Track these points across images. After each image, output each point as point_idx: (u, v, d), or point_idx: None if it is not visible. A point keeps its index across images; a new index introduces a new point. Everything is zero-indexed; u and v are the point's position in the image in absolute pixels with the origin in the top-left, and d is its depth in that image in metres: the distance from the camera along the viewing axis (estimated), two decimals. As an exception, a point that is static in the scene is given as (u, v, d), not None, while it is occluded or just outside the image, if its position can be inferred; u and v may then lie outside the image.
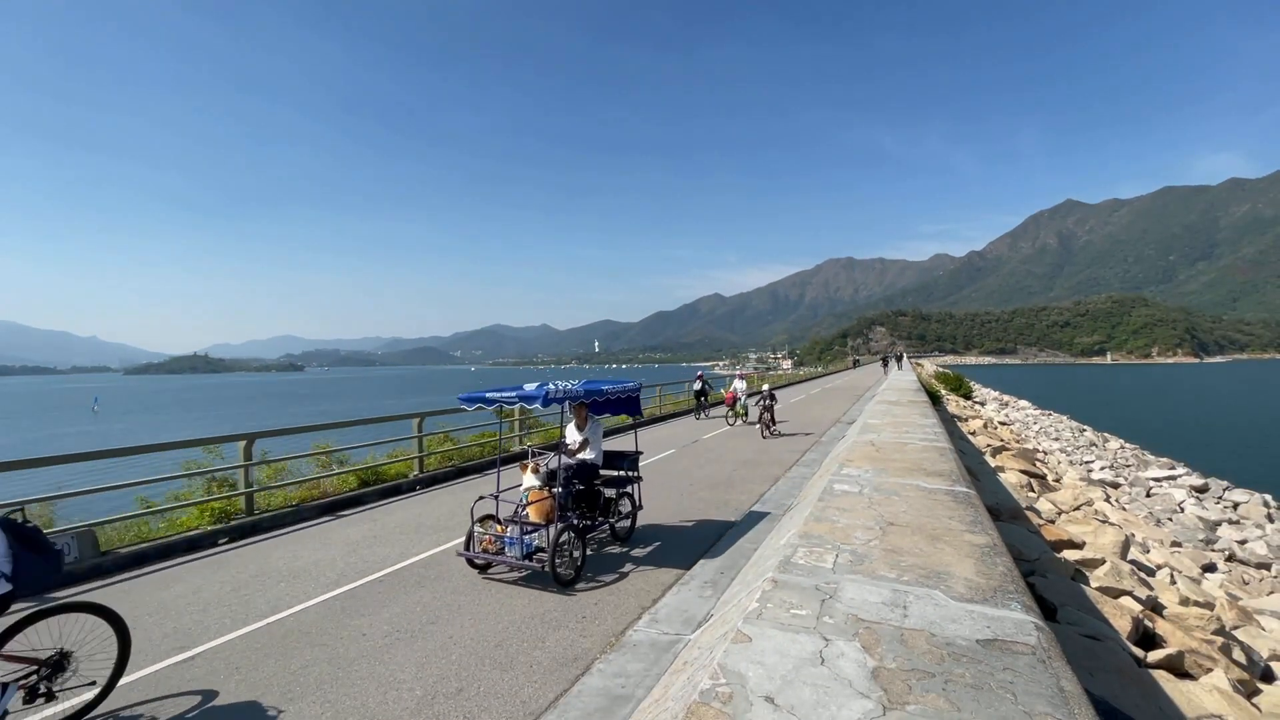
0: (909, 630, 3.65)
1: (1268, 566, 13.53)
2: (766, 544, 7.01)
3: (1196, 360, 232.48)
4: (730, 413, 19.94)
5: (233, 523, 8.50)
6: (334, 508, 9.71)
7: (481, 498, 7.06)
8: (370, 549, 7.59)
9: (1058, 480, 19.29)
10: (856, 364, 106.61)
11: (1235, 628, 8.61)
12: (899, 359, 67.37)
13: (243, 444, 9.13)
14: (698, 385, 23.46)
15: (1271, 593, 11.56)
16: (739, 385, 20.43)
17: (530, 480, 6.96)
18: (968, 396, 48.77)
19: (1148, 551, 12.43)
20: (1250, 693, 6.55)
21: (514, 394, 6.34)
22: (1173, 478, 22.02)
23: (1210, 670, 6.46)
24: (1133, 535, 12.99)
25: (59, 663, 3.93)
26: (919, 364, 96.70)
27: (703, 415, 22.37)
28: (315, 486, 10.15)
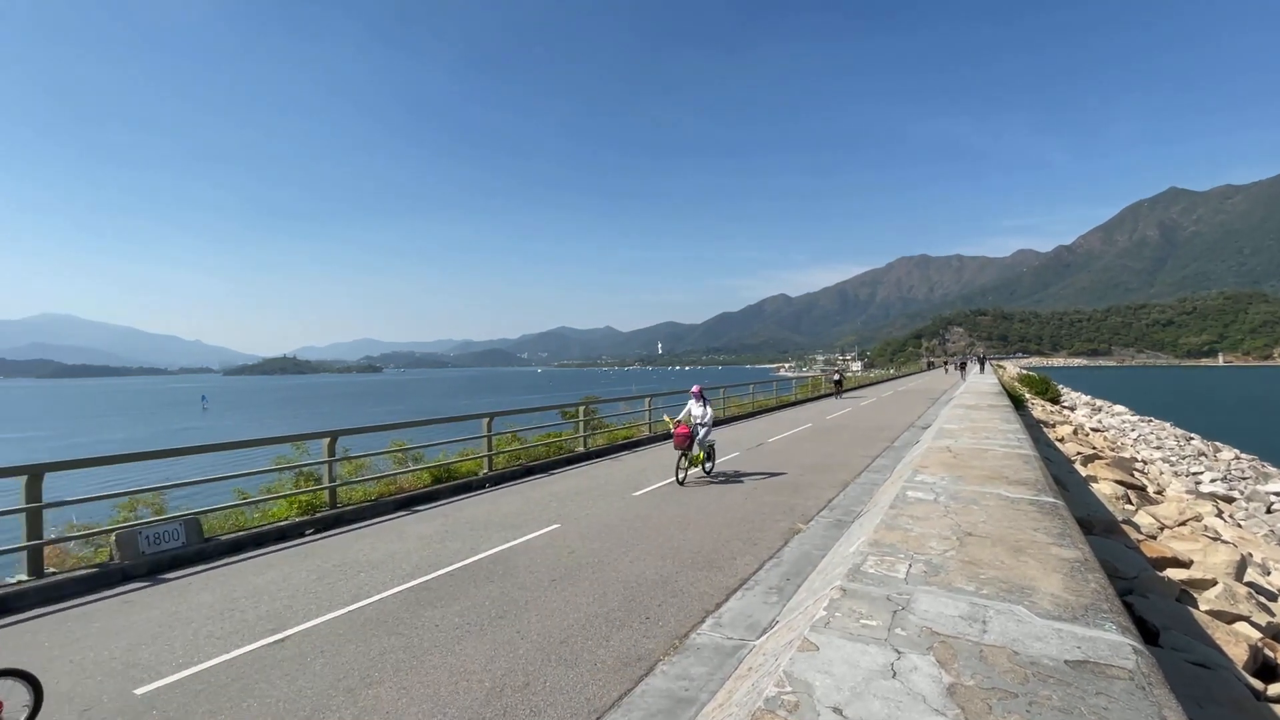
0: (989, 647, 3.46)
1: None
2: (834, 551, 6.81)
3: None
4: (683, 458, 11.12)
5: (318, 515, 9.04)
6: (409, 503, 10.17)
7: None
8: (442, 544, 7.89)
9: (1160, 492, 17.78)
10: (931, 366, 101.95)
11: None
12: (979, 361, 63.92)
13: (326, 441, 9.70)
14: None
15: None
16: (697, 411, 11.54)
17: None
18: (1055, 401, 45.73)
19: (1268, 574, 11.26)
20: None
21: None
22: (1298, 492, 19.86)
23: (1344, 708, 5.78)
24: (1250, 555, 11.80)
25: None
26: (1000, 366, 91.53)
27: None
28: (392, 482, 10.66)
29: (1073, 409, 44.84)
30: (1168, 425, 38.88)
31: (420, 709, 4.07)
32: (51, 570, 6.76)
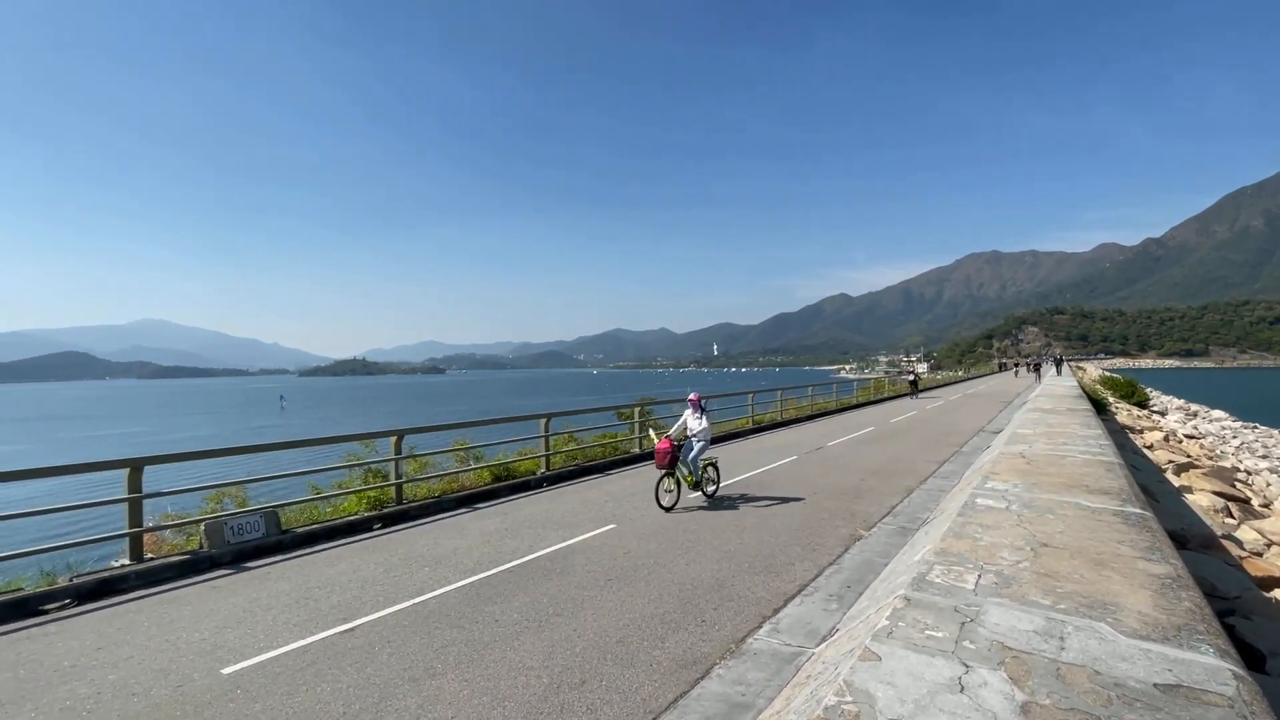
0: (1067, 665, 3.26)
1: None
2: (898, 559, 6.58)
3: None
4: (666, 478, 9.46)
5: (385, 510, 9.43)
6: (470, 500, 10.47)
7: None
8: (502, 541, 8.09)
9: (1267, 505, 16.31)
10: (1003, 367, 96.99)
11: None
12: (1055, 362, 60.31)
13: (393, 439, 10.11)
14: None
15: None
16: (693, 424, 9.89)
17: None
18: (1142, 405, 42.67)
19: (1396, 597, 10.13)
20: None
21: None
22: None
23: None
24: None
25: None
26: (1080, 367, 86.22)
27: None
28: (454, 480, 11.00)
29: (1163, 414, 41.71)
30: (1275, 432, 35.58)
31: (481, 701, 4.18)
32: (150, 556, 7.32)
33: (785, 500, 9.94)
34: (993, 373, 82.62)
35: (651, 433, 11.08)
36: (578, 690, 4.30)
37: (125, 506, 7.25)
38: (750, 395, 21.51)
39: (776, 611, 5.61)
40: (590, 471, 12.99)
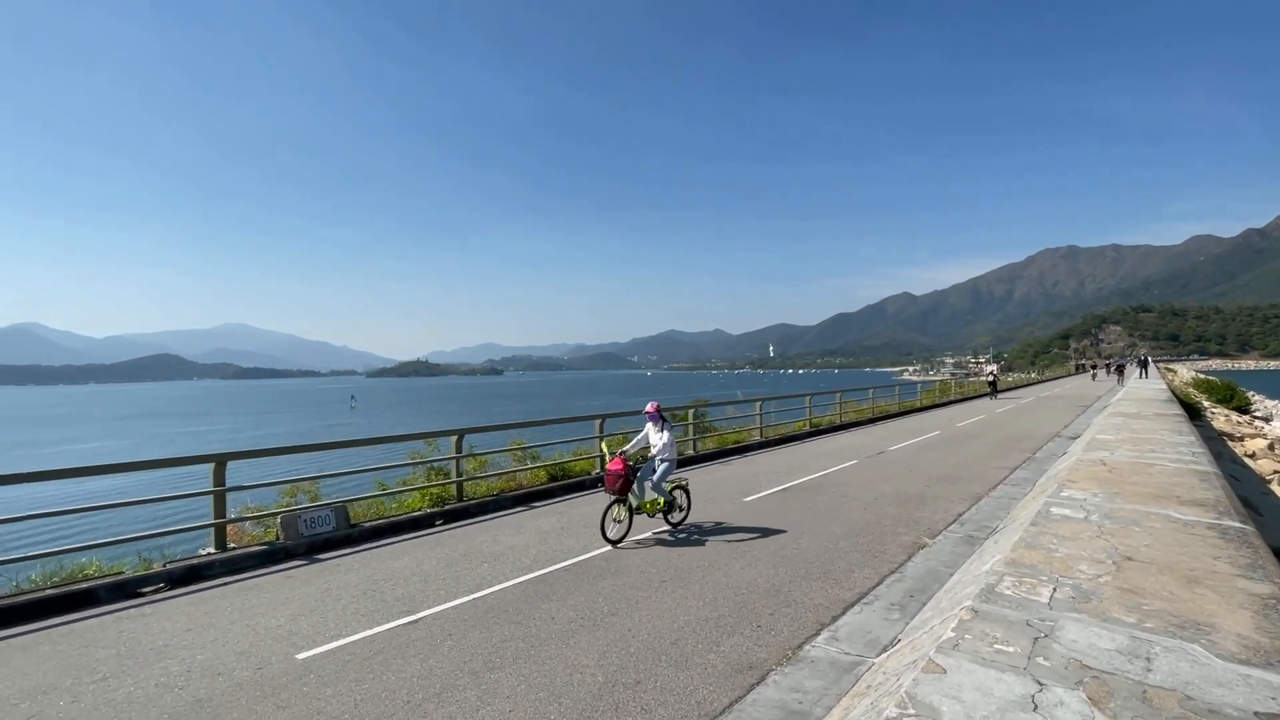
0: (1154, 688, 3.03)
1: None
2: (965, 569, 6.30)
3: None
4: (616, 506, 7.93)
5: (446, 507, 9.74)
6: (527, 499, 10.68)
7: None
8: (558, 539, 8.21)
9: (1388, 521, 14.70)
10: (1081, 368, 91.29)
11: None
12: (1140, 363, 56.35)
13: (454, 438, 10.43)
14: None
15: None
16: (654, 438, 8.42)
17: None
18: (1243, 410, 39.35)
19: None
20: None
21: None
22: None
23: None
24: None
25: None
26: (1169, 369, 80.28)
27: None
28: (512, 479, 11.25)
29: (1267, 420, 38.32)
30: (1400, 441, 32.05)
31: (538, 696, 4.25)
32: (232, 545, 7.81)
33: (846, 506, 9.67)
34: (1069, 375, 77.96)
35: (604, 448, 9.37)
36: (632, 690, 4.31)
37: (211, 499, 7.76)
38: (808, 398, 21.07)
39: (835, 619, 5.47)
40: (644, 472, 13.00)
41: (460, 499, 10.11)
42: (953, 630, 3.77)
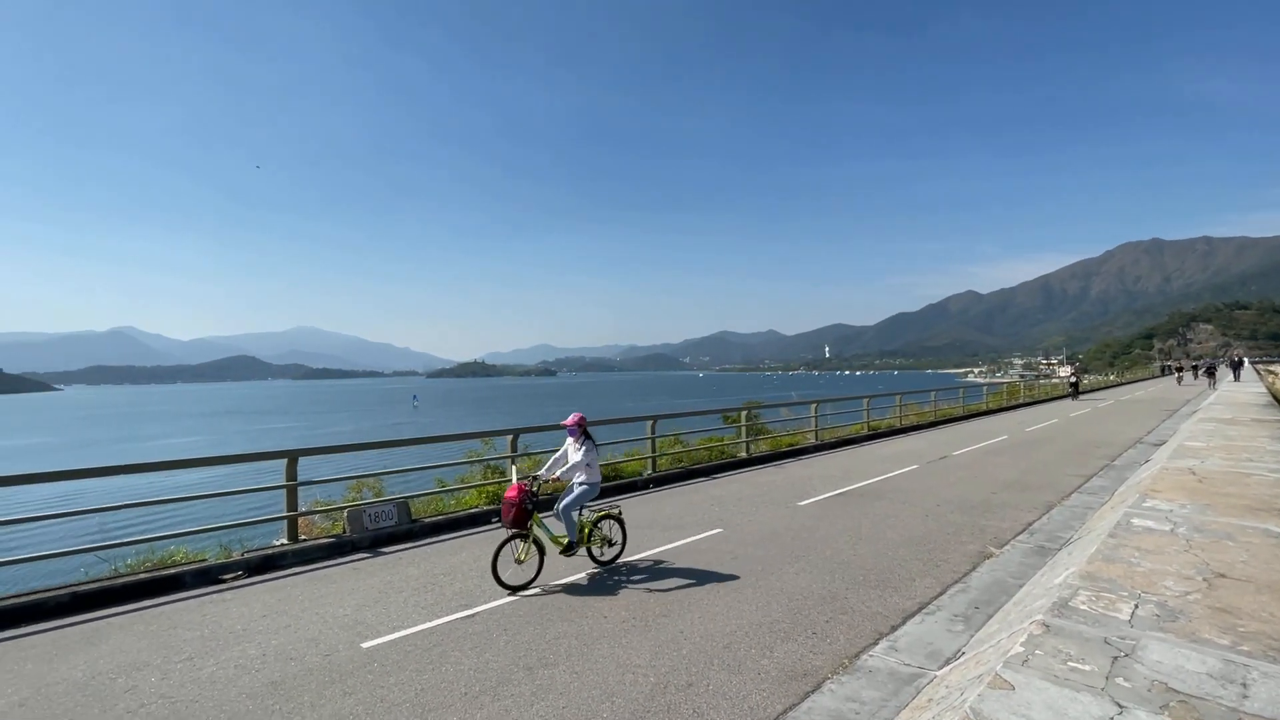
0: (1251, 716, 2.80)
1: None
2: (1035, 581, 5.98)
3: None
4: (514, 541, 6.52)
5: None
6: (580, 498, 10.79)
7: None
8: (610, 539, 8.26)
9: None
10: (1166, 370, 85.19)
11: None
12: (1234, 365, 52.10)
13: (510, 438, 10.66)
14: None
15: None
16: (574, 455, 7.01)
17: None
18: (1355, 416, 35.80)
19: None
20: None
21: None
22: None
23: None
24: None
25: None
26: (1270, 371, 73.93)
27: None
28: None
29: (1383, 427, 34.75)
30: None
31: (590, 694, 4.29)
32: (303, 537, 8.22)
33: (906, 512, 9.35)
34: (1152, 377, 72.90)
35: (512, 470, 7.85)
36: (684, 692, 4.29)
37: (284, 492, 8.19)
38: (865, 400, 20.49)
39: (894, 629, 5.29)
40: (695, 475, 12.95)
41: (515, 497, 10.31)
42: (1022, 645, 3.58)
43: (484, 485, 10.26)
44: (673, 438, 14.21)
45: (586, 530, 6.87)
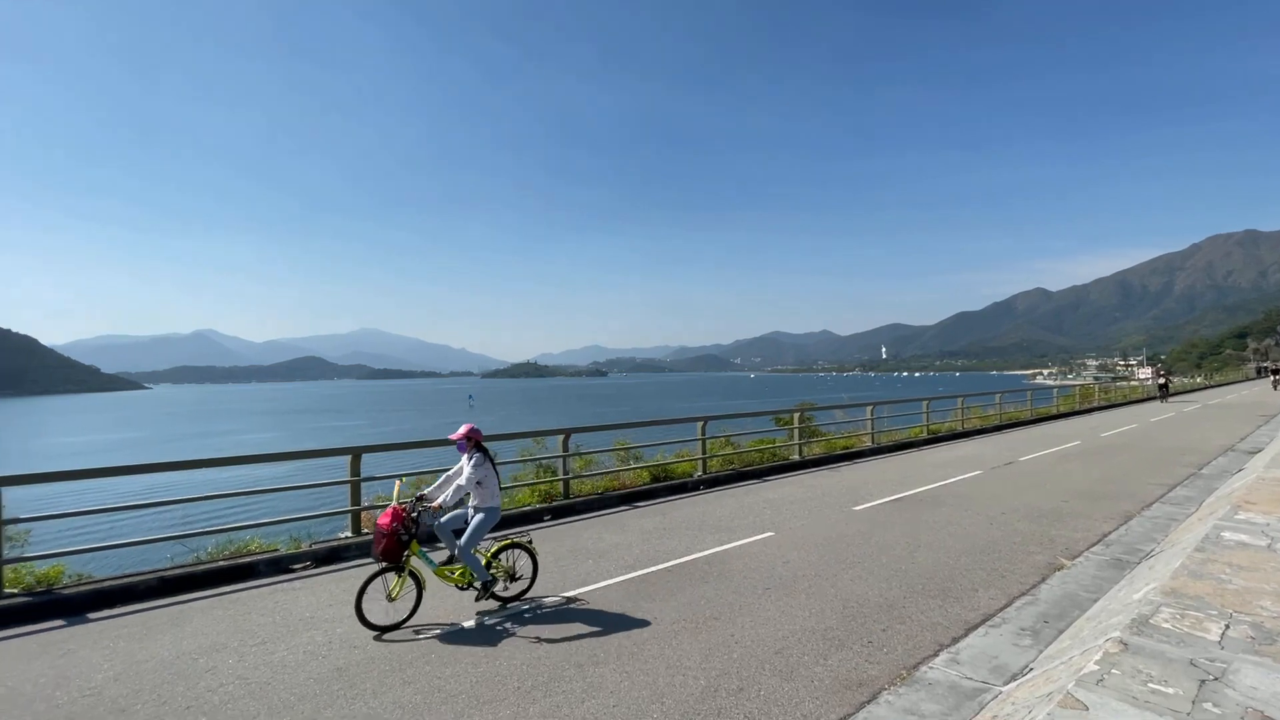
0: (1364, 752, 2.55)
1: None
2: (1112, 596, 5.63)
3: None
4: (385, 576, 5.58)
5: (554, 503, 10.11)
6: (630, 498, 10.84)
7: None
8: (660, 540, 8.26)
9: None
10: (1262, 372, 78.64)
11: None
12: None
13: (561, 437, 10.81)
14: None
15: None
16: (467, 473, 6.03)
17: None
18: None
19: None
20: None
21: None
22: None
23: None
24: None
25: None
26: (1383, 374, 67.25)
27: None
28: (615, 478, 11.47)
29: None
30: None
31: (640, 694, 4.30)
32: (365, 531, 8.56)
33: (969, 520, 8.98)
34: (1245, 380, 67.50)
35: (396, 488, 6.21)
36: (735, 696, 4.25)
37: (348, 487, 8.55)
38: (924, 402, 19.78)
39: (956, 640, 5.08)
40: (747, 476, 12.81)
41: (567, 496, 10.46)
42: (1096, 663, 3.38)
43: (536, 484, 10.45)
44: (723, 439, 14.10)
45: (485, 562, 5.90)
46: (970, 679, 4.42)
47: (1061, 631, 5.14)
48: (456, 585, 5.91)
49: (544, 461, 11.07)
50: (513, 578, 6.11)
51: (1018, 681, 4.25)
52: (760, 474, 13.06)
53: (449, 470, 6.28)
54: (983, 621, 5.45)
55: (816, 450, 15.29)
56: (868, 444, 16.47)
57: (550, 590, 6.43)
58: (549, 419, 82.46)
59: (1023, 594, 6.10)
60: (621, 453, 12.50)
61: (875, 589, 6.26)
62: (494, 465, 6.20)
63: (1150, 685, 3.12)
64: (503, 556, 6.13)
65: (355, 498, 8.52)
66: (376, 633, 5.38)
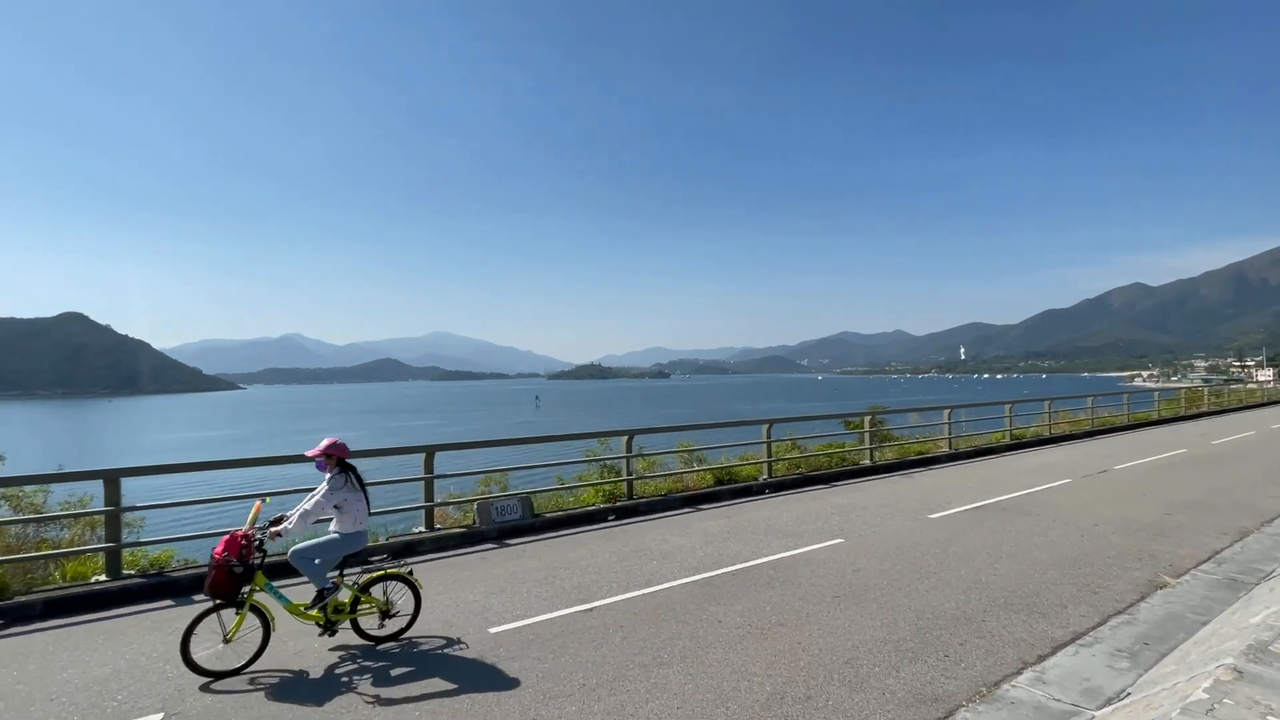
0: None
1: None
2: (1224, 619, 5.13)
3: None
4: (222, 609, 4.73)
5: (617, 504, 10.18)
6: (693, 501, 10.79)
7: None
8: (725, 543, 8.18)
9: None
10: None
11: None
12: None
13: (625, 438, 10.89)
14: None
15: None
16: (326, 496, 5.19)
17: None
18: None
19: None
20: None
21: None
22: None
23: None
24: None
25: None
26: None
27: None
28: (679, 480, 11.45)
29: None
30: None
31: (704, 698, 4.26)
32: (438, 526, 8.91)
33: (1056, 531, 8.42)
34: (1388, 382, 60.06)
35: (254, 510, 5.13)
36: (802, 705, 4.14)
37: (422, 484, 8.92)
38: (1007, 406, 18.70)
39: (1042, 659, 4.76)
40: (814, 481, 12.49)
41: (630, 497, 10.52)
42: (1206, 691, 3.09)
43: (601, 484, 10.57)
44: (789, 443, 13.81)
45: (352, 597, 5.16)
46: (1058, 700, 4.13)
47: (1164, 655, 4.73)
48: (317, 625, 5.06)
49: (608, 462, 11.19)
50: (387, 614, 5.29)
51: (1113, 706, 3.93)
52: (828, 479, 12.71)
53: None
54: (1072, 640, 5.09)
55: (889, 455, 14.73)
56: (944, 449, 15.72)
57: (607, 593, 6.47)
58: (612, 420, 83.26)
59: (1119, 612, 5.66)
60: (684, 454, 12.47)
61: (952, 600, 5.96)
62: (361, 486, 5.37)
63: (1269, 718, 2.82)
64: (376, 590, 5.32)
65: (429, 494, 8.87)
66: (206, 679, 4.55)
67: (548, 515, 9.52)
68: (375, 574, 5.37)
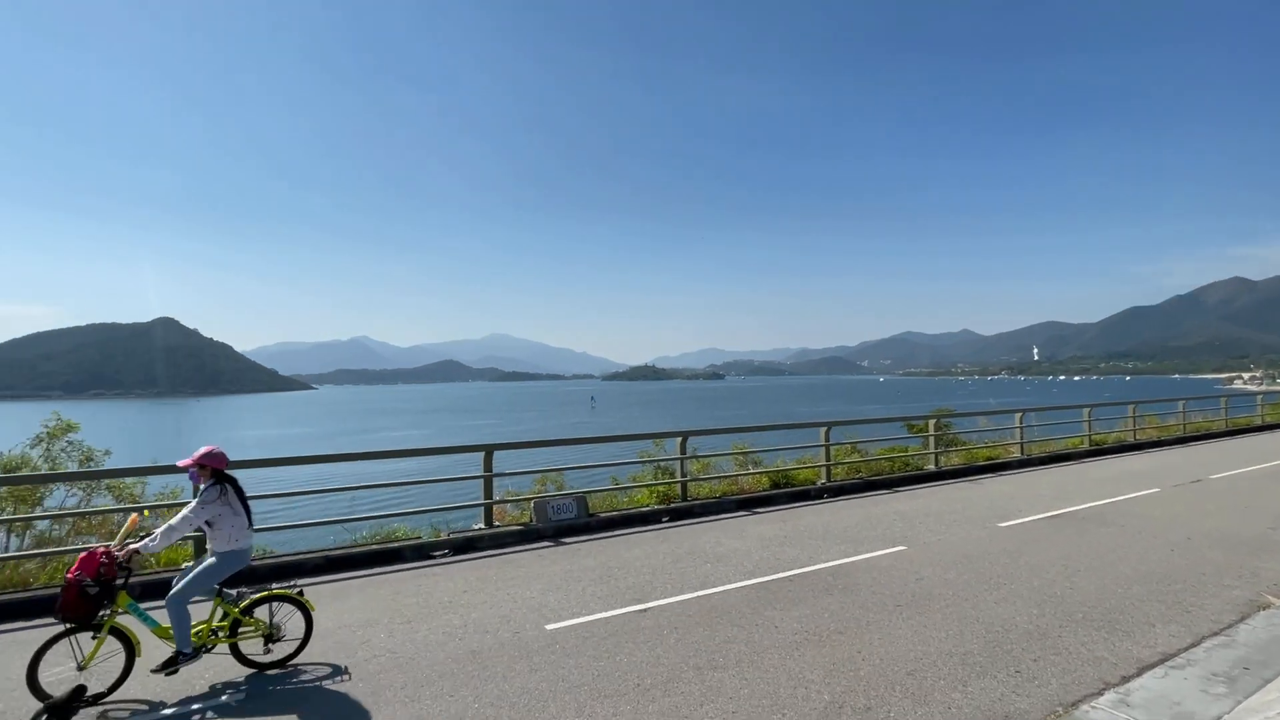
0: None
1: None
2: (1339, 644, 4.66)
3: None
4: (75, 632, 4.25)
5: (672, 505, 10.16)
6: (748, 504, 10.65)
7: None
8: (781, 548, 8.03)
9: None
10: None
11: None
12: None
13: (679, 440, 10.86)
14: None
15: None
16: (199, 512, 4.64)
17: None
18: None
19: None
20: None
21: None
22: None
23: None
24: None
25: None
26: None
27: None
28: (734, 483, 11.33)
29: None
30: None
31: (760, 703, 4.19)
32: (497, 523, 9.12)
33: (1143, 544, 7.86)
34: None
35: (124, 530, 4.76)
36: (861, 715, 4.01)
37: (482, 482, 9.16)
38: (1086, 409, 17.60)
39: (1126, 680, 4.45)
40: (875, 486, 12.11)
41: (685, 498, 10.48)
42: (1319, 724, 2.81)
43: (655, 485, 10.58)
44: (849, 446, 13.45)
45: (232, 620, 4.72)
46: (1145, 726, 3.85)
47: (1267, 681, 4.33)
48: (192, 646, 4.55)
49: (662, 463, 11.19)
50: (272, 639, 4.82)
51: (1209, 735, 3.63)
52: (890, 484, 12.30)
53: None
54: (1160, 661, 4.73)
55: (955, 460, 14.13)
56: (1015, 455, 14.95)
57: (601, 606, 6.47)
58: (666, 421, 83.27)
59: (1215, 634, 5.22)
60: (740, 457, 12.33)
61: (1024, 614, 5.65)
62: (241, 499, 4.88)
63: (1398, 758, 2.54)
64: (260, 612, 4.87)
65: (488, 492, 9.10)
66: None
67: (602, 515, 9.60)
68: (259, 594, 4.88)
